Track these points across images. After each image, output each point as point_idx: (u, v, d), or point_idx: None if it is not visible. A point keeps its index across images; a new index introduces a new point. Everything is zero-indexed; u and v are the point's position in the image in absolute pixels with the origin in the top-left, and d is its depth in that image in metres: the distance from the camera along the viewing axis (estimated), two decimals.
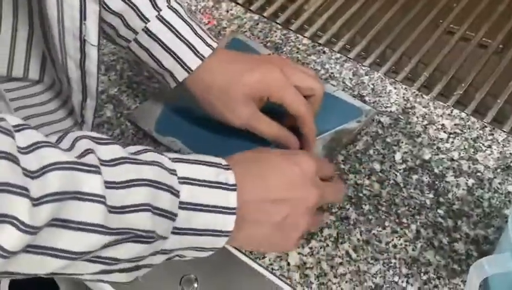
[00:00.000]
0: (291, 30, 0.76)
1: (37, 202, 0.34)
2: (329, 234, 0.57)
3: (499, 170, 0.61)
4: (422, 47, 0.74)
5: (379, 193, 0.60)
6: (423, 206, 0.59)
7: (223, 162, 0.47)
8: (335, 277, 0.54)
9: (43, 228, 0.34)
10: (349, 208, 0.59)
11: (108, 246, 0.39)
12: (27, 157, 0.34)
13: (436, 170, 0.61)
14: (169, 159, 0.44)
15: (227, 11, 0.78)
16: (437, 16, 0.78)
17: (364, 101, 0.67)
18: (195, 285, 0.56)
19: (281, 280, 0.54)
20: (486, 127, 0.65)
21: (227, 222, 0.45)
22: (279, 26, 0.76)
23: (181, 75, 0.59)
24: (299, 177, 0.50)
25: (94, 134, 0.41)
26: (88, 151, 0.38)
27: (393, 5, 0.80)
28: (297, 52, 0.73)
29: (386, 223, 0.58)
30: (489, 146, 0.63)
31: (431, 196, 0.59)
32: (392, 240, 0.56)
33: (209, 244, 0.45)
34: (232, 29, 0.76)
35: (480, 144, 0.63)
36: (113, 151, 0.40)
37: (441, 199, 0.59)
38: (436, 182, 0.60)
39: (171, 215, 0.42)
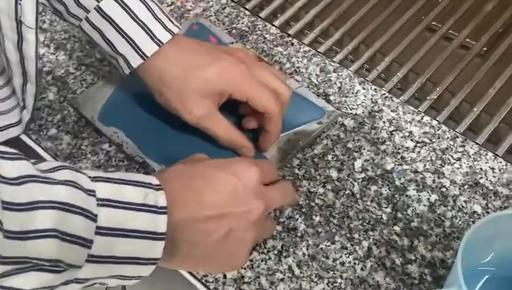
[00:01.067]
0: (260, 17, 0.71)
1: None
2: (273, 246, 0.52)
3: (466, 187, 0.56)
4: (399, 44, 0.69)
5: (333, 203, 0.55)
6: (379, 221, 0.54)
7: (154, 181, 0.43)
8: None
9: None
10: (298, 218, 0.54)
11: (11, 275, 0.34)
12: None
13: (397, 182, 0.56)
14: (89, 177, 0.39)
15: None
16: (419, 11, 0.72)
17: (329, 101, 0.62)
18: None
19: None
20: (457, 137, 0.60)
21: (154, 249, 0.40)
22: (247, 13, 0.71)
23: (135, 61, 0.53)
24: (239, 190, 0.46)
25: (2, 148, 0.36)
26: None
27: None
28: (263, 42, 0.67)
29: (336, 238, 0.53)
30: (459, 159, 0.58)
31: (388, 210, 0.54)
32: (341, 256, 0.52)
33: (133, 273, 0.41)
34: (197, 12, 0.70)
35: (449, 156, 0.58)
36: (20, 168, 0.36)
37: (399, 215, 0.54)
38: (396, 196, 0.55)
39: (84, 242, 0.37)
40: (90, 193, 0.38)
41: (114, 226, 0.39)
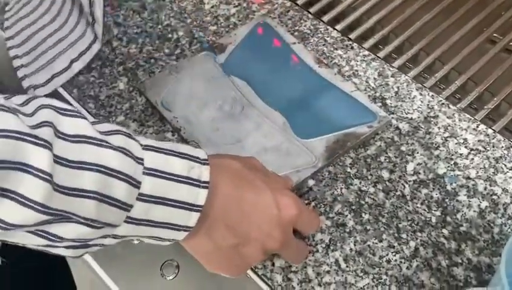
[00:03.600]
0: (323, 21, 0.73)
1: None
2: (322, 239, 0.54)
3: None
4: (459, 53, 0.70)
5: (382, 203, 0.56)
6: (427, 223, 0.55)
7: (202, 155, 0.44)
8: (319, 285, 0.52)
9: None
10: (347, 215, 0.56)
11: (53, 223, 0.37)
12: None
13: (448, 187, 0.57)
14: (141, 145, 0.41)
15: None
16: (481, 22, 0.73)
17: (385, 104, 0.63)
18: (176, 271, 0.54)
19: (262, 280, 0.52)
20: None
21: (189, 218, 0.42)
22: (310, 16, 0.73)
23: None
24: (271, 220, 0.47)
25: (60, 104, 0.39)
26: (45, 124, 0.36)
27: (436, 5, 0.75)
28: (324, 44, 0.70)
29: (384, 236, 0.54)
30: None
31: (438, 213, 0.55)
32: (387, 254, 0.53)
33: (167, 236, 0.43)
34: (262, 13, 0.73)
35: (503, 165, 0.59)
36: (78, 126, 0.38)
37: (448, 219, 0.55)
38: (446, 200, 0.56)
39: (124, 206, 0.39)
40: (139, 160, 0.40)
41: (156, 194, 0.40)
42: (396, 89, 0.65)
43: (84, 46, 0.66)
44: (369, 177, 0.58)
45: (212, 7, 0.74)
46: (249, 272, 0.53)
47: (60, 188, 0.36)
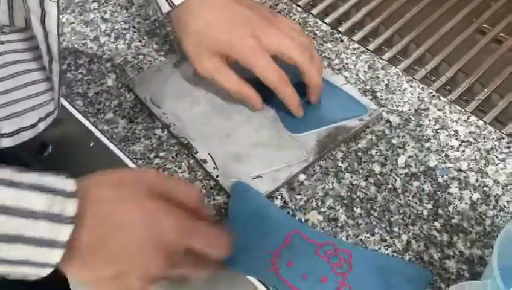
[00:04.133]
0: (312, 14, 0.72)
1: None
2: None
3: (509, 187, 0.56)
4: (449, 45, 0.69)
5: (374, 196, 0.56)
6: (419, 216, 0.55)
7: (69, 187, 0.40)
8: None
9: None
10: (339, 209, 0.55)
11: None
12: None
13: (440, 179, 0.57)
14: None
15: None
16: (471, 13, 0.72)
17: (376, 97, 0.63)
18: None
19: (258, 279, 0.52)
20: (503, 138, 0.60)
21: (51, 255, 0.39)
22: (299, 9, 0.72)
23: (165, 7, 0.59)
24: (149, 245, 0.43)
25: None
26: None
27: None
28: (313, 37, 0.69)
29: (376, 230, 0.54)
30: (503, 160, 0.58)
31: (429, 206, 0.55)
32: (379, 248, 0.53)
33: (31, 273, 0.40)
34: None
35: (494, 157, 0.59)
36: None
37: (440, 211, 0.55)
38: (438, 192, 0.56)
39: None
40: None
41: (8, 233, 0.38)
42: (386, 82, 0.65)
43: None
44: (361, 171, 0.58)
45: None
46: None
47: None
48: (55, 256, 0.39)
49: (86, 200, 0.41)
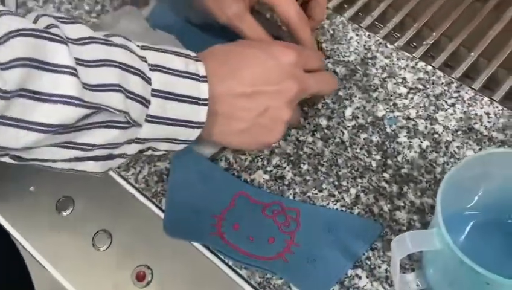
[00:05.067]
0: None
1: (4, 66, 0.33)
2: None
3: (459, 132, 0.55)
4: None
5: (321, 151, 0.54)
6: (367, 168, 0.53)
7: (192, 53, 0.45)
8: None
9: (14, 98, 0.34)
10: (286, 167, 0.53)
11: (83, 130, 0.38)
12: None
13: (388, 129, 0.55)
14: (138, 46, 0.42)
15: None
16: None
17: (321, 49, 0.60)
18: (109, 242, 0.51)
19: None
20: (452, 83, 0.58)
21: (199, 113, 0.44)
22: None
23: None
24: (275, 70, 0.47)
25: (56, 14, 0.39)
26: (52, 26, 0.37)
27: None
28: None
29: (324, 186, 0.52)
30: (453, 104, 0.56)
31: (378, 157, 0.53)
32: (328, 204, 0.51)
33: (183, 136, 0.44)
34: None
35: (443, 102, 0.57)
36: (80, 30, 0.38)
37: (389, 162, 0.53)
38: (386, 143, 0.54)
39: (144, 102, 0.40)
40: (143, 58, 0.41)
41: (165, 90, 0.42)
42: (332, 32, 0.62)
43: None
44: (307, 126, 0.56)
45: None
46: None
47: (86, 86, 0.36)
48: (202, 113, 0.44)
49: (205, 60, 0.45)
